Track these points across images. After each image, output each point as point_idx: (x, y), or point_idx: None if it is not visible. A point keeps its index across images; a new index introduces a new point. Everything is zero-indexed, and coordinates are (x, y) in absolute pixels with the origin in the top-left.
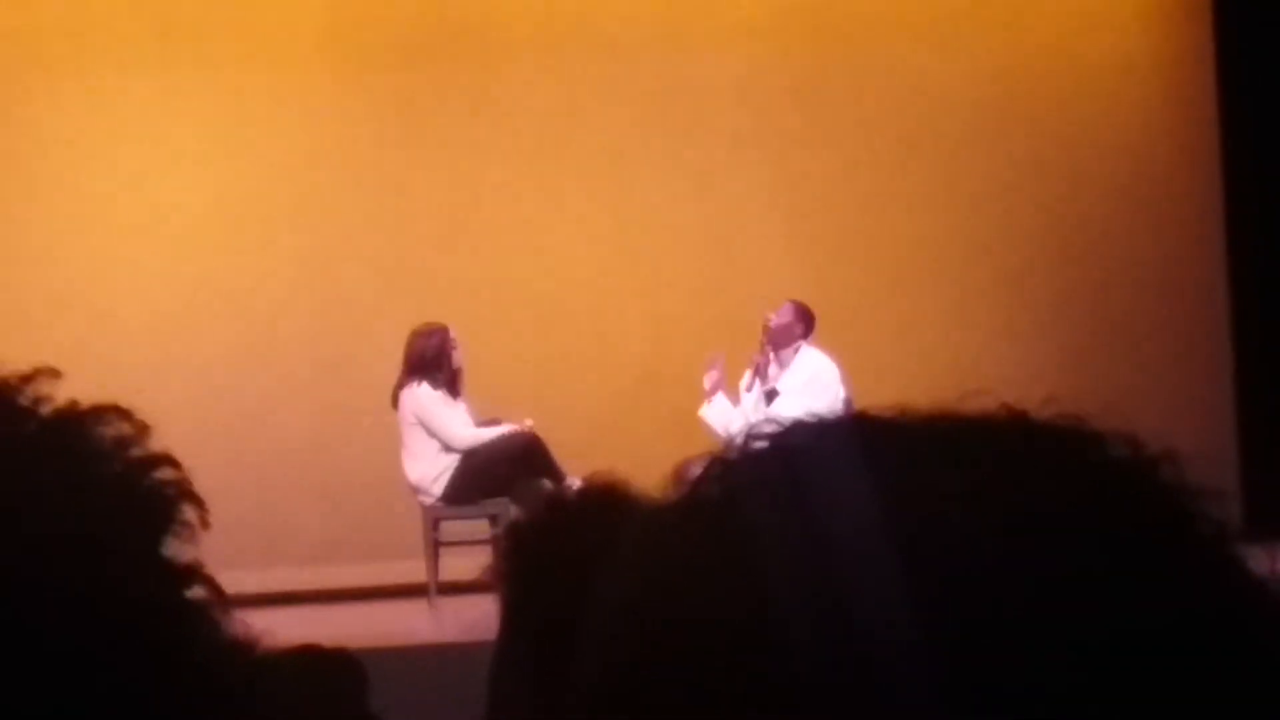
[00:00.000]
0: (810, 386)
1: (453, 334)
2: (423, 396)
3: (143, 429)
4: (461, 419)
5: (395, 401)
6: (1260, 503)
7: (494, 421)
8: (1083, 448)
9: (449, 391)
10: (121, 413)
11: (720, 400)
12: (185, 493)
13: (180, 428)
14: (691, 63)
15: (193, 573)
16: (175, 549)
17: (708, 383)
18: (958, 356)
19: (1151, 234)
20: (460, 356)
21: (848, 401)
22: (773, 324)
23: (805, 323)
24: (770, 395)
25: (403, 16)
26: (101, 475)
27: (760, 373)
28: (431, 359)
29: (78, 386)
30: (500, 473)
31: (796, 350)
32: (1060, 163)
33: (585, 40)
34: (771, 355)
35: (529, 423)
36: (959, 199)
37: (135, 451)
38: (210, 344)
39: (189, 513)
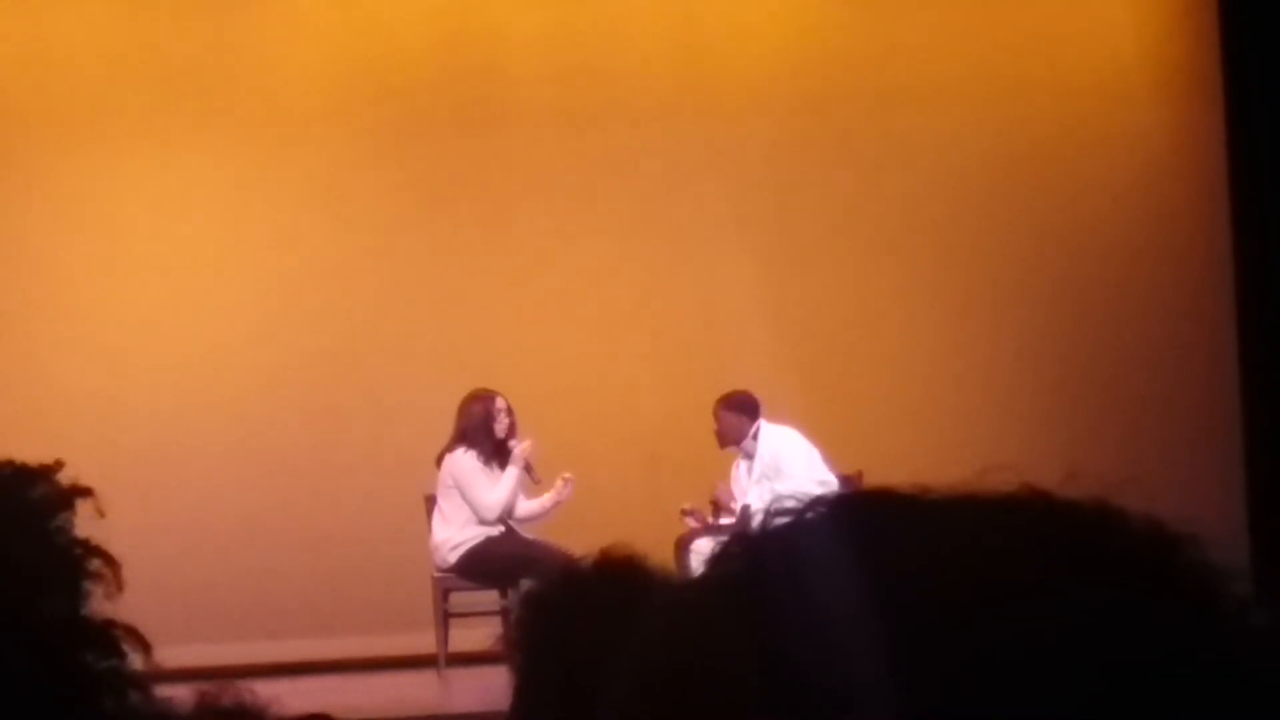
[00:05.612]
0: (778, 465)
1: (501, 402)
2: (462, 463)
3: (63, 493)
4: (499, 487)
5: (439, 464)
6: (1271, 584)
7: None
8: (1107, 527)
9: (496, 460)
10: (42, 475)
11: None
12: (95, 553)
13: (192, 500)
14: (711, 136)
15: (105, 638)
16: (93, 610)
17: (694, 523)
18: (958, 432)
19: (1160, 312)
20: (505, 426)
21: (844, 478)
22: (718, 431)
23: (744, 411)
24: (744, 511)
25: (419, 95)
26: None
27: (721, 504)
28: (475, 425)
29: (92, 466)
30: (512, 571)
31: (755, 437)
32: (1063, 237)
33: (600, 113)
34: (740, 456)
35: (568, 475)
36: (965, 273)
37: (55, 518)
38: (226, 416)
39: (102, 571)
